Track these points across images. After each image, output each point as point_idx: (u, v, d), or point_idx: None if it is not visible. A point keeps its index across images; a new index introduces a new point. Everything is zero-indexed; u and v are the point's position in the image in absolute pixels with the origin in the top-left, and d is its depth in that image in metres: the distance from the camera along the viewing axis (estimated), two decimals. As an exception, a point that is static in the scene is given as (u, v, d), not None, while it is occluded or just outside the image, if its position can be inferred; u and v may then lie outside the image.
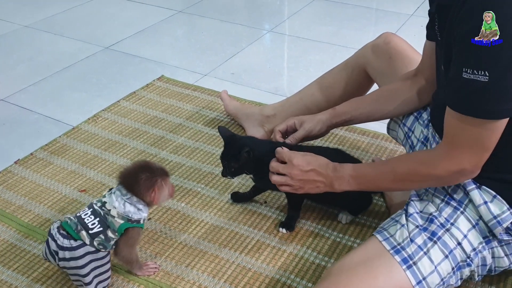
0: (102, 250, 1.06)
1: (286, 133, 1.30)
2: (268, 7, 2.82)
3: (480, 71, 0.81)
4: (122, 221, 1.05)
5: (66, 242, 1.03)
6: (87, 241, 1.04)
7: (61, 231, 1.05)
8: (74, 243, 1.03)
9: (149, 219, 1.34)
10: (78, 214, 1.07)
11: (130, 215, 1.06)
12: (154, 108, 1.84)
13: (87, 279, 1.05)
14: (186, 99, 1.89)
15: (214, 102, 1.87)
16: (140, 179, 1.06)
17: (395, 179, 1.01)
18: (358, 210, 1.31)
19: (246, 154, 1.12)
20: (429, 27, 1.09)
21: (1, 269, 1.21)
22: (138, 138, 1.68)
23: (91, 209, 1.07)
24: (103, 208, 1.07)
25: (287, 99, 1.63)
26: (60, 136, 1.69)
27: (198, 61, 2.20)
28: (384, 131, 1.43)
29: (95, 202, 1.09)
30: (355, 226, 1.30)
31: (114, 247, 1.09)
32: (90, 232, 1.04)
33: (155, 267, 1.19)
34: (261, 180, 1.17)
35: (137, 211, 1.07)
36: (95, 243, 1.05)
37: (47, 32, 2.48)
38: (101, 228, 1.05)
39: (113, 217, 1.05)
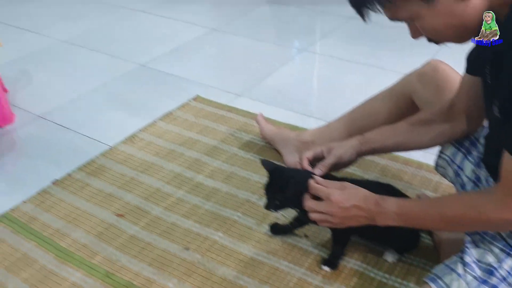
0: None
1: (313, 162, 1.25)
2: (302, 26, 2.80)
3: None
4: None
5: None
6: None
7: None
8: None
9: (187, 249, 1.31)
10: None
11: None
12: (190, 129, 1.82)
13: None
14: (221, 120, 1.88)
15: (249, 124, 1.85)
16: None
17: (442, 220, 0.97)
18: (405, 248, 1.26)
19: (292, 187, 1.09)
20: (474, 63, 1.05)
21: (39, 297, 1.20)
22: (174, 160, 1.66)
23: None
24: None
25: (327, 125, 1.59)
26: (97, 157, 1.68)
27: (231, 81, 2.19)
28: (428, 161, 1.38)
29: None
30: (402, 265, 1.25)
31: None
32: None
33: None
34: (307, 214, 1.14)
35: None
36: None
37: (83, 47, 2.50)
38: None
39: None
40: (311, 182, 1.09)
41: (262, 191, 1.47)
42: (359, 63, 2.31)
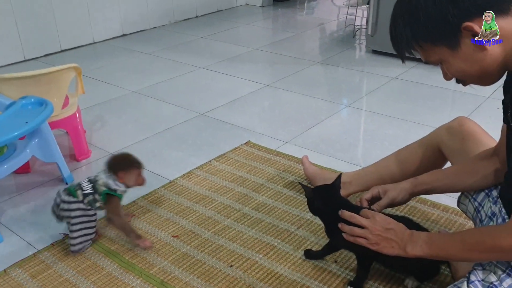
0: (89, 208, 1.54)
1: (371, 200, 1.43)
2: (348, 84, 3.04)
3: None
4: (104, 188, 1.53)
5: (66, 198, 1.53)
6: (80, 198, 1.52)
7: (65, 191, 1.55)
8: (72, 199, 1.53)
9: (231, 266, 1.51)
10: (79, 182, 1.57)
11: (109, 186, 1.54)
12: (240, 169, 2.06)
13: (73, 228, 1.54)
14: (269, 163, 2.10)
15: (293, 167, 2.06)
16: (116, 164, 1.58)
17: (464, 249, 1.10)
18: (425, 277, 1.39)
19: (309, 201, 1.30)
20: (504, 114, 1.21)
21: (106, 295, 1.42)
22: (225, 194, 1.89)
23: (89, 179, 1.57)
24: (95, 178, 1.56)
25: (363, 168, 1.77)
26: (158, 188, 1.94)
27: (281, 130, 2.43)
28: (455, 205, 1.52)
29: (92, 176, 1.58)
30: (421, 291, 1.38)
31: (99, 205, 1.55)
32: (84, 192, 1.53)
33: (150, 245, 1.58)
34: (331, 233, 1.32)
35: (114, 184, 1.54)
36: (85, 201, 1.53)
37: (151, 97, 2.86)
38: (92, 191, 1.53)
39: (100, 185, 1.53)
40: (363, 209, 1.29)
41: (300, 223, 1.67)
42: (398, 118, 2.49)
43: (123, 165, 1.57)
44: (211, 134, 2.40)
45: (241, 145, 2.26)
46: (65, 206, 1.52)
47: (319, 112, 2.62)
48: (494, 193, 1.30)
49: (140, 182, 1.60)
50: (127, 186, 1.58)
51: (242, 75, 3.16)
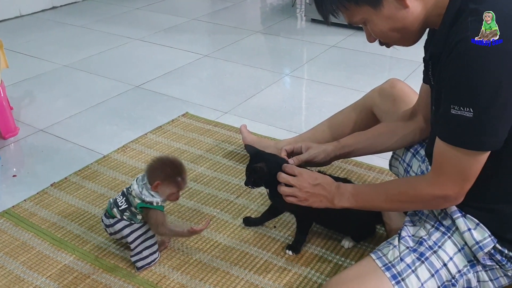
0: (133, 222, 1.33)
1: (292, 154, 1.42)
2: (288, 53, 3.02)
3: (465, 108, 0.90)
4: (138, 201, 1.31)
5: (107, 221, 1.35)
6: (119, 216, 1.33)
7: (106, 214, 1.36)
8: (112, 221, 1.33)
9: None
10: (115, 198, 1.36)
11: (143, 197, 1.30)
12: (178, 141, 2.00)
13: (133, 245, 1.34)
14: (207, 134, 2.06)
15: (233, 137, 2.03)
16: (153, 171, 1.31)
17: (387, 199, 1.12)
18: (361, 237, 1.42)
19: (259, 168, 1.26)
20: (424, 72, 1.23)
21: (36, 276, 1.35)
22: (162, 167, 1.83)
23: (122, 192, 1.36)
24: (129, 189, 1.34)
25: (300, 135, 1.77)
26: (92, 163, 1.85)
27: (220, 100, 2.38)
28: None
29: (127, 187, 1.37)
30: (357, 251, 1.41)
31: (141, 218, 1.34)
32: (120, 208, 1.32)
33: (203, 228, 1.36)
34: (275, 196, 1.31)
35: (149, 195, 1.30)
36: (125, 217, 1.33)
37: (83, 71, 2.72)
38: (126, 205, 1.32)
39: (133, 197, 1.31)
40: (287, 165, 1.26)
41: (240, 192, 1.66)
42: (336, 85, 2.51)
43: (160, 174, 1.29)
44: (147, 106, 2.32)
45: (179, 116, 2.20)
46: (111, 230, 1.33)
47: (259, 82, 2.59)
48: (422, 152, 1.34)
49: (173, 199, 1.34)
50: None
51: (179, 46, 3.07)
